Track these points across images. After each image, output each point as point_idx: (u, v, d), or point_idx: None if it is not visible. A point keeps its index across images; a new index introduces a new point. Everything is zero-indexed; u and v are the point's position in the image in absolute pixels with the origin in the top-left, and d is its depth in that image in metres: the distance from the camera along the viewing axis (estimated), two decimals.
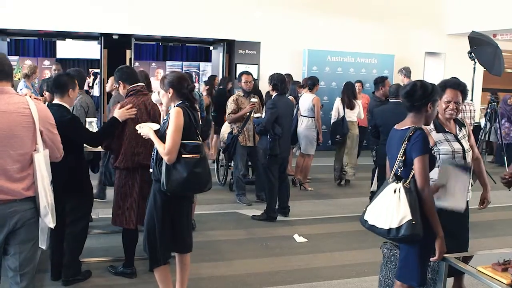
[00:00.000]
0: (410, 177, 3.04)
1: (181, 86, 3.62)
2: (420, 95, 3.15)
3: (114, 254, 4.97)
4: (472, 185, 3.87)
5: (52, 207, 3.02)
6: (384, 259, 3.63)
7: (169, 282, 3.80)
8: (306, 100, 8.30)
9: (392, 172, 3.15)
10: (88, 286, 4.37)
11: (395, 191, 3.02)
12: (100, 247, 5.26)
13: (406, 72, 8.82)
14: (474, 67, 8.42)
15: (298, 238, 5.85)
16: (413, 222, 2.91)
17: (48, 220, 3.00)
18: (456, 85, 3.70)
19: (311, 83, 8.42)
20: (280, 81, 6.55)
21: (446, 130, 3.70)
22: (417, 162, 3.03)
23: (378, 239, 3.38)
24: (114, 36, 11.52)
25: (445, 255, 3.10)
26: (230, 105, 7.06)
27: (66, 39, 13.77)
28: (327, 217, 6.85)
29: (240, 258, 5.22)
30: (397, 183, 3.05)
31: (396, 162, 3.13)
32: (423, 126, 3.39)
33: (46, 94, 5.08)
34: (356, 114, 8.61)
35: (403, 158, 3.09)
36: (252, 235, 5.99)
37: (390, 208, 3.01)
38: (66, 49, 16.79)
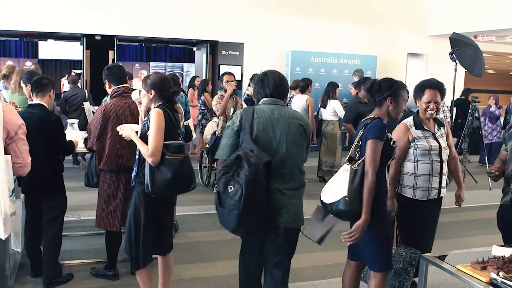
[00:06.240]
0: (360, 160, 3.15)
1: (163, 88, 3.58)
2: (377, 89, 3.27)
3: (96, 256, 4.93)
4: (448, 185, 3.92)
5: (6, 216, 2.86)
6: None
7: (152, 285, 3.77)
8: (301, 100, 8.68)
9: (348, 155, 3.27)
10: None
11: (343, 171, 3.17)
12: (82, 249, 5.21)
13: (359, 73, 9.46)
14: (456, 68, 8.51)
15: None
16: (347, 199, 3.05)
17: (0, 230, 2.84)
18: (434, 85, 3.81)
19: (304, 84, 8.87)
20: None
21: (425, 127, 3.81)
22: (368, 145, 3.13)
23: None
24: (96, 37, 11.43)
25: (424, 254, 3.18)
26: (215, 102, 7.26)
27: (48, 40, 13.67)
28: (309, 217, 6.84)
29: (223, 259, 5.20)
30: (348, 164, 3.18)
31: (353, 147, 3.25)
32: (405, 121, 3.65)
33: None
34: (330, 113, 8.76)
35: (359, 143, 3.21)
36: (235, 236, 5.96)
37: (333, 185, 3.19)
38: (48, 50, 16.68)
